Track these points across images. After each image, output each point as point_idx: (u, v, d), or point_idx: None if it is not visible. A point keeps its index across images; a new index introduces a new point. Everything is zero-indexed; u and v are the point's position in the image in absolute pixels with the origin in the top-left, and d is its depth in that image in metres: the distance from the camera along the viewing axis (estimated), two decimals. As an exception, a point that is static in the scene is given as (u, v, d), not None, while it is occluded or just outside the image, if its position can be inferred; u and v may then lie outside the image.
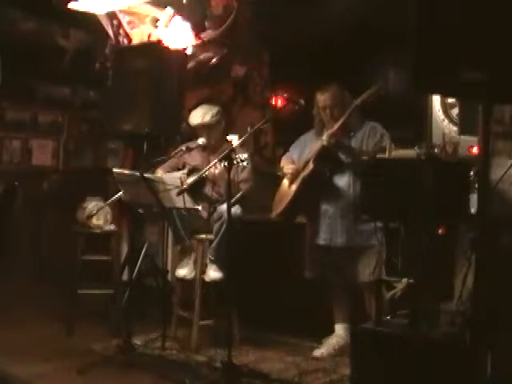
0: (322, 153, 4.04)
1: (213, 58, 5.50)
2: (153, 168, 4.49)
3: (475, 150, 3.69)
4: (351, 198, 4.03)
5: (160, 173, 4.50)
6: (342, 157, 4.07)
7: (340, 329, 4.24)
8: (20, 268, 5.80)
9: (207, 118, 4.54)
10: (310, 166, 4.07)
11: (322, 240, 4.14)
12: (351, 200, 4.02)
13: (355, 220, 3.98)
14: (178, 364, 4.06)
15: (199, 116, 4.57)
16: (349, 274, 4.08)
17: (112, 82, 5.19)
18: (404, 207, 3.02)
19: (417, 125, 4.52)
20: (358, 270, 4.05)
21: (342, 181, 4.10)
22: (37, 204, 6.40)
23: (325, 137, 4.02)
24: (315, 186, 4.13)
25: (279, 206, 4.23)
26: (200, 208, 4.36)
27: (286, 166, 4.27)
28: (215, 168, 4.19)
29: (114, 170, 4.30)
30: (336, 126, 4.00)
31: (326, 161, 4.07)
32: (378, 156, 3.52)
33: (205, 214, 4.49)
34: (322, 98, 4.13)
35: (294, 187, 4.16)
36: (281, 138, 5.40)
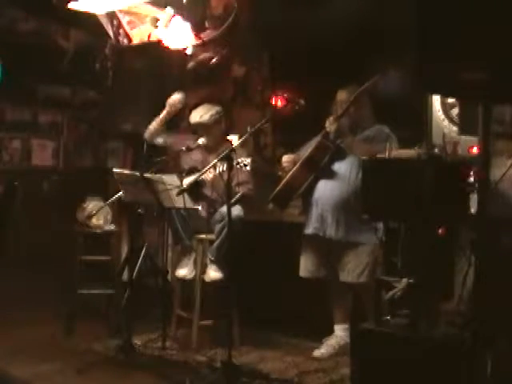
0: (323, 139, 4.05)
1: (213, 58, 5.49)
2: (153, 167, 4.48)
3: (475, 149, 3.69)
4: (347, 189, 4.03)
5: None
6: (343, 146, 4.06)
7: (340, 329, 4.24)
8: (20, 268, 5.79)
9: (205, 118, 4.54)
10: (309, 151, 4.08)
11: (311, 229, 4.12)
12: (346, 192, 4.02)
13: (348, 213, 3.98)
14: (178, 364, 4.07)
15: (198, 115, 4.58)
16: (338, 272, 4.08)
17: (112, 82, 5.19)
18: (404, 207, 3.02)
19: (417, 125, 4.52)
20: (347, 269, 4.04)
21: (339, 171, 4.09)
22: (37, 204, 6.39)
23: (327, 123, 4.03)
24: (311, 172, 4.12)
25: (274, 191, 4.23)
26: (200, 208, 4.36)
27: (285, 156, 4.27)
28: (211, 172, 4.20)
29: (114, 170, 4.30)
30: (338, 113, 4.01)
31: (326, 148, 4.07)
32: (378, 156, 3.52)
33: (205, 214, 4.49)
34: (341, 94, 4.16)
35: (290, 172, 4.16)
36: (281, 138, 5.40)
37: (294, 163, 4.17)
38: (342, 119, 4.02)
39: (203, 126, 4.56)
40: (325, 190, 4.11)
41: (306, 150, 4.26)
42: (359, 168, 3.90)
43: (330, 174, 4.10)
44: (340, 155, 4.09)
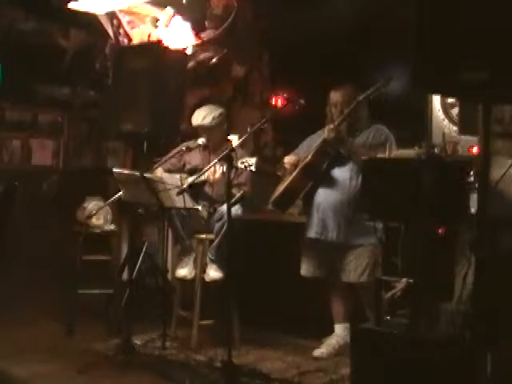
0: (322, 146, 4.05)
1: (213, 57, 5.49)
2: (153, 166, 4.48)
3: (475, 149, 3.69)
4: (347, 194, 4.03)
5: (160, 171, 4.50)
6: (343, 151, 4.07)
7: (340, 329, 4.24)
8: (20, 268, 5.79)
9: (207, 121, 4.53)
10: (309, 157, 4.09)
11: (313, 233, 4.14)
12: (347, 196, 4.03)
13: (348, 217, 3.99)
14: (178, 364, 4.06)
15: (200, 117, 4.56)
16: (339, 273, 4.08)
17: (112, 81, 5.19)
18: (404, 207, 3.02)
19: (417, 125, 4.52)
20: (348, 270, 4.05)
21: (340, 177, 4.10)
22: (37, 204, 6.40)
23: (326, 130, 4.04)
24: (311, 178, 4.13)
25: (275, 194, 4.24)
26: (200, 208, 4.36)
27: (286, 157, 4.28)
28: (214, 173, 4.19)
29: (114, 170, 4.30)
30: (337, 121, 4.01)
31: (326, 154, 4.08)
32: (378, 156, 3.53)
33: (205, 214, 4.49)
34: (335, 95, 4.15)
35: (290, 176, 4.17)
36: (281, 138, 5.41)
37: (296, 165, 4.17)
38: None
39: (205, 128, 4.55)
40: (326, 195, 4.12)
41: (305, 150, 4.26)
42: (359, 173, 3.91)
43: (331, 180, 4.11)
44: (340, 161, 4.09)
